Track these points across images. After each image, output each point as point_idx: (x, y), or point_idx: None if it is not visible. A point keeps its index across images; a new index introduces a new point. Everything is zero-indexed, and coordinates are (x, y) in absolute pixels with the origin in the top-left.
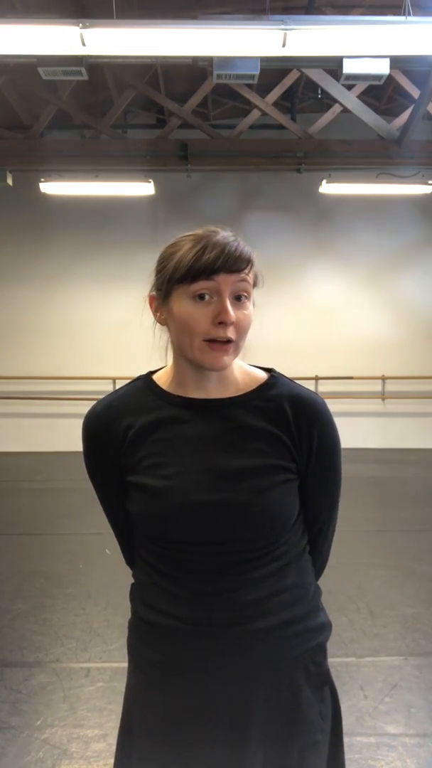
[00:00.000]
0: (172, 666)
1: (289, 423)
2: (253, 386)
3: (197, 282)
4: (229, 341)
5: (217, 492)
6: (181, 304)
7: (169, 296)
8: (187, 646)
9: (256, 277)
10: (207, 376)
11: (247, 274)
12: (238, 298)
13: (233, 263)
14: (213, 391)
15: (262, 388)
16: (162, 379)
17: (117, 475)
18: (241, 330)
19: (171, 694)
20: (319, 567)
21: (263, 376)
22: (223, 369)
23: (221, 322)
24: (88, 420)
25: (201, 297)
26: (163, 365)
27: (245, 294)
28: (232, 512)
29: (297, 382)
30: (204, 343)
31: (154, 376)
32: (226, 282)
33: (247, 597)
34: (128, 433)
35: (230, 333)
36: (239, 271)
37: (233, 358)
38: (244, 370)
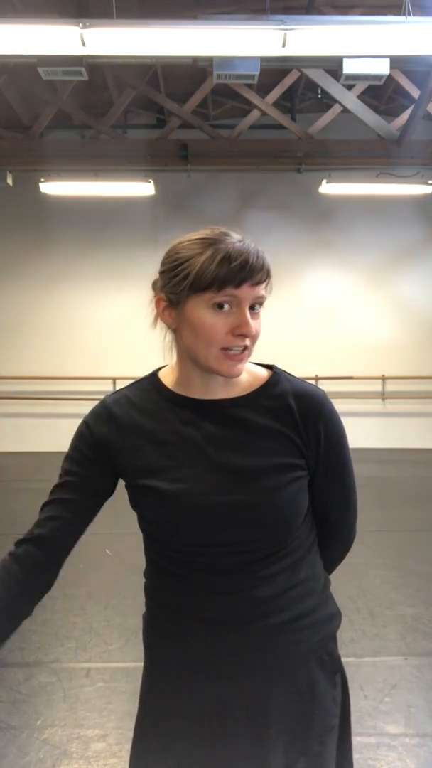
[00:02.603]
0: (189, 661)
1: (296, 420)
2: (257, 385)
3: (221, 293)
4: (244, 349)
5: (230, 494)
6: (199, 312)
7: (185, 302)
8: (203, 642)
9: (269, 287)
10: (214, 379)
11: (266, 286)
12: (252, 307)
13: (257, 274)
14: (219, 392)
15: (267, 387)
16: (167, 378)
17: (100, 466)
18: (255, 338)
19: (188, 686)
20: (341, 552)
21: (265, 373)
22: (238, 376)
23: (241, 334)
24: (97, 407)
25: (220, 306)
26: (164, 365)
27: (259, 303)
28: (244, 513)
29: (296, 377)
30: (221, 352)
31: (160, 374)
32: (247, 293)
33: (262, 594)
34: (133, 434)
35: (247, 342)
36: (261, 282)
37: (245, 364)
38: (245, 368)
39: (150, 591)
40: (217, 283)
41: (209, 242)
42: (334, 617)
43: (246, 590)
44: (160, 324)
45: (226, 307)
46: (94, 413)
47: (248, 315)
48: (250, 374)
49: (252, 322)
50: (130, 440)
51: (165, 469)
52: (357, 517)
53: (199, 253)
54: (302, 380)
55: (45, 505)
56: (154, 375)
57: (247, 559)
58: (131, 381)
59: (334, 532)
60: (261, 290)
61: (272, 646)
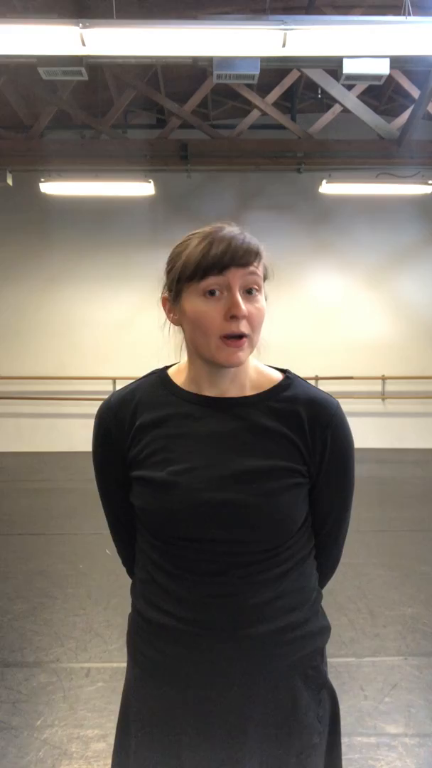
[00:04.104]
0: (170, 665)
1: (303, 426)
2: (268, 386)
3: (207, 278)
4: (243, 336)
5: (225, 492)
6: (193, 302)
7: (180, 296)
8: (186, 646)
9: (266, 269)
10: (222, 375)
11: (257, 267)
12: (249, 292)
13: (241, 256)
14: (227, 389)
15: (277, 389)
16: (176, 375)
17: (122, 470)
18: (255, 324)
19: (168, 692)
20: (328, 571)
21: (278, 376)
22: (239, 365)
23: (233, 316)
24: (101, 411)
25: (212, 293)
26: (175, 362)
27: (256, 287)
28: (238, 513)
29: (311, 384)
30: (220, 341)
31: (169, 371)
32: (235, 276)
33: (249, 601)
34: (138, 426)
35: (243, 327)
36: (248, 264)
37: (248, 354)
38: (258, 369)
39: (137, 586)
40: (202, 269)
41: (203, 235)
42: (322, 631)
43: (232, 595)
44: (163, 324)
45: (218, 293)
46: (97, 419)
47: (238, 297)
48: (262, 375)
49: (244, 304)
50: (134, 432)
51: (164, 462)
52: (345, 539)
53: (190, 246)
54: (317, 388)
55: (115, 537)
56: (163, 371)
57: (236, 562)
58: (131, 380)
59: (322, 547)
60: (250, 271)
61: (255, 656)
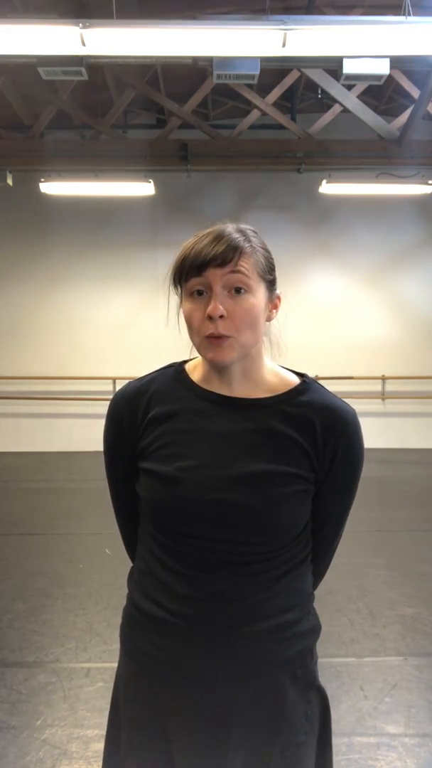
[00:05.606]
0: (161, 657)
1: (315, 432)
2: (284, 390)
3: (190, 280)
4: (222, 336)
5: (230, 492)
6: (185, 302)
7: (180, 298)
8: (178, 641)
9: (263, 265)
10: (229, 374)
11: (242, 265)
12: (237, 291)
13: (219, 255)
14: (239, 389)
15: (293, 393)
16: (193, 370)
17: (131, 459)
18: (240, 324)
19: (157, 684)
20: (321, 573)
21: (295, 380)
22: (226, 364)
23: (209, 316)
24: (115, 399)
25: (199, 293)
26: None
27: (243, 287)
28: (240, 515)
29: (329, 390)
30: (205, 339)
31: (186, 366)
32: (215, 276)
33: (243, 600)
34: (151, 418)
35: (222, 328)
36: (226, 263)
37: (238, 354)
38: (274, 371)
39: (135, 576)
40: (186, 271)
41: (194, 236)
42: (313, 630)
43: (228, 593)
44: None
45: (205, 293)
46: (111, 407)
47: (216, 297)
48: (278, 378)
49: (228, 304)
50: (146, 423)
51: (172, 456)
52: (335, 552)
53: (182, 248)
54: (334, 395)
55: (122, 525)
56: (180, 365)
57: (235, 561)
58: (131, 380)
59: (317, 550)
60: (232, 270)
61: (243, 654)
